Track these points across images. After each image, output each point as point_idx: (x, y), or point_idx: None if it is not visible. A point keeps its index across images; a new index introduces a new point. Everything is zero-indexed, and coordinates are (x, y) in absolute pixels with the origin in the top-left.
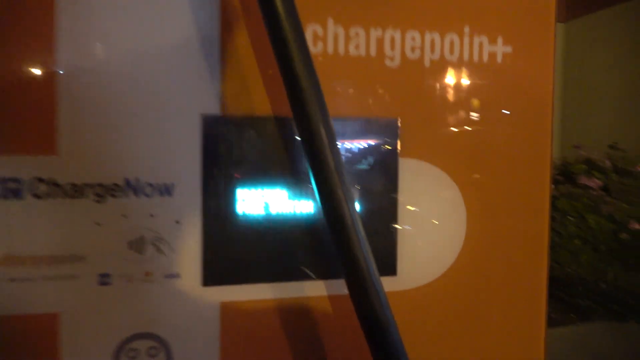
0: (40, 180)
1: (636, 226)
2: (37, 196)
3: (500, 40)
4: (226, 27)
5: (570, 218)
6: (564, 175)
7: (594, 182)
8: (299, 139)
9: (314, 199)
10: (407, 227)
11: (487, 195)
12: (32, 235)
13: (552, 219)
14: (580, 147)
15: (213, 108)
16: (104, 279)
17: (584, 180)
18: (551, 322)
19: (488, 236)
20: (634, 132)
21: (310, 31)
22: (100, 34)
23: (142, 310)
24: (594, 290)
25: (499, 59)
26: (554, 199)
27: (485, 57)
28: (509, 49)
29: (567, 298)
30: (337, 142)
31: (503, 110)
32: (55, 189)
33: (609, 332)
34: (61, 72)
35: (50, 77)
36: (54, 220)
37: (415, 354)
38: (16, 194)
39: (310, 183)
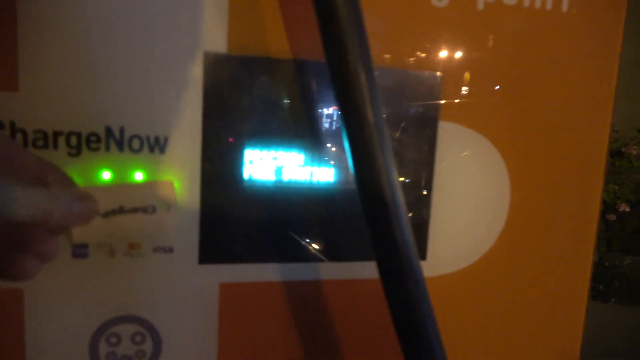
0: None
1: (625, 208)
2: None
3: None
4: None
5: None
6: None
7: None
8: (327, 88)
9: (336, 165)
10: (441, 203)
11: (535, 171)
12: None
13: None
14: None
15: (219, 45)
16: (79, 250)
17: None
18: None
19: (533, 217)
20: (626, 112)
21: None
22: None
23: (126, 289)
24: None
25: (565, 6)
26: None
27: (549, 4)
28: None
29: None
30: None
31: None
32: (17, 136)
33: (592, 312)
34: None
35: None
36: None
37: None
38: None
39: (335, 146)
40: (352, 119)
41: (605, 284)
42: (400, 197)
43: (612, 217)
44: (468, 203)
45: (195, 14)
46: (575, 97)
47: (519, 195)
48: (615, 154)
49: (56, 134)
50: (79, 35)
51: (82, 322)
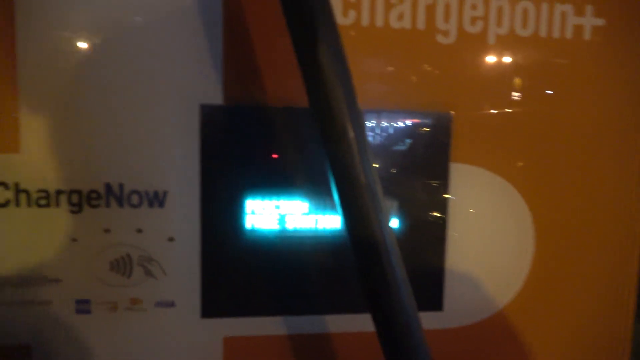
0: (2, 186)
1: None
2: None
3: (589, 10)
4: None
5: None
6: None
7: None
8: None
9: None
10: (457, 249)
11: (561, 214)
12: None
13: None
14: None
15: (214, 97)
16: (82, 306)
17: None
18: None
19: (560, 264)
20: None
21: None
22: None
23: (128, 344)
24: None
25: (587, 34)
26: None
27: (569, 32)
28: (600, 22)
29: None
30: (370, 144)
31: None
32: (20, 195)
33: None
34: (22, 52)
35: (9, 51)
36: (20, 235)
37: None
38: None
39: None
40: (342, 180)
41: None
42: (394, 249)
43: None
44: (486, 249)
45: (191, 68)
46: (600, 131)
47: (544, 239)
48: None
49: (58, 193)
50: (77, 97)
51: None
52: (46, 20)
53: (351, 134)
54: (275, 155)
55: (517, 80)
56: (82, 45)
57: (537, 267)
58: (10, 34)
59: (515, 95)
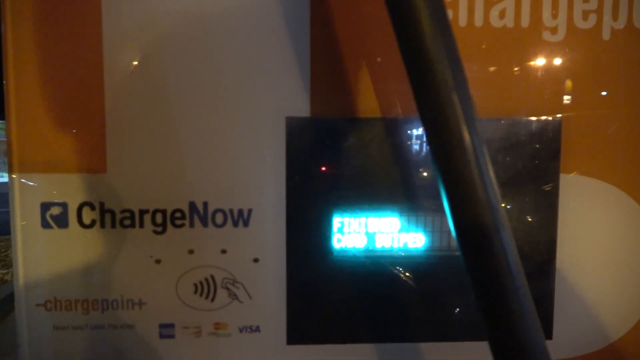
0: (88, 206)
1: None
2: (83, 224)
3: None
4: (317, 16)
5: None
6: None
7: None
8: (417, 144)
9: (437, 229)
10: (568, 271)
11: None
12: (76, 274)
13: None
14: None
15: (301, 110)
16: (166, 331)
17: None
18: None
19: None
20: None
21: None
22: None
23: None
24: None
25: None
26: None
27: None
28: None
29: None
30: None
31: None
32: (105, 215)
33: None
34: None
35: (96, 69)
36: (105, 256)
37: None
38: (59, 222)
39: (433, 209)
40: (457, 194)
41: None
42: (522, 279)
43: None
44: (602, 275)
45: (278, 80)
46: None
47: None
48: None
49: (142, 212)
50: (162, 115)
51: None
52: (132, 35)
53: (468, 138)
54: (362, 169)
55: (636, 81)
56: (169, 62)
57: None
58: (98, 50)
59: (634, 99)
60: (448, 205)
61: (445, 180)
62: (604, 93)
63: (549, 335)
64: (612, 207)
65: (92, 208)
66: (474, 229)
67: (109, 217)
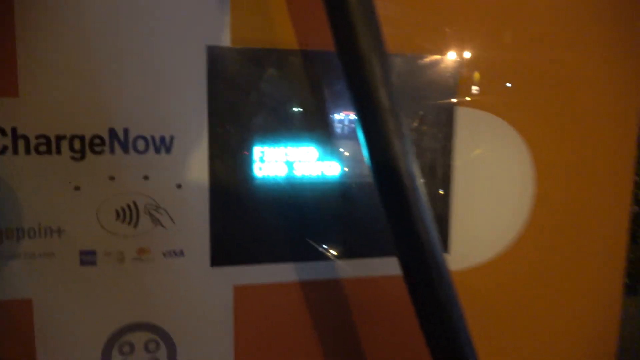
0: (1, 132)
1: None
2: None
3: None
4: None
5: None
6: None
7: None
8: (337, 78)
9: (351, 157)
10: (462, 194)
11: (562, 160)
12: None
13: None
14: None
15: (222, 38)
16: (87, 258)
17: None
18: None
19: (559, 209)
20: None
21: None
22: None
23: (137, 296)
24: None
25: None
26: None
27: None
28: None
29: None
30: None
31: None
32: (19, 142)
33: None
34: None
35: None
36: (20, 184)
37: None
38: None
39: (349, 137)
40: (365, 105)
41: (632, 278)
42: (421, 186)
43: (635, 209)
44: (491, 195)
45: (197, 7)
46: (603, 86)
47: (544, 186)
48: None
49: (59, 139)
50: (78, 37)
51: (93, 332)
52: None
53: (376, 60)
54: (283, 101)
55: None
56: None
57: (536, 213)
58: None
59: (522, 43)
60: (363, 135)
61: (361, 113)
62: (499, 36)
63: (445, 249)
64: (499, 138)
65: (3, 134)
66: (385, 155)
67: (23, 143)
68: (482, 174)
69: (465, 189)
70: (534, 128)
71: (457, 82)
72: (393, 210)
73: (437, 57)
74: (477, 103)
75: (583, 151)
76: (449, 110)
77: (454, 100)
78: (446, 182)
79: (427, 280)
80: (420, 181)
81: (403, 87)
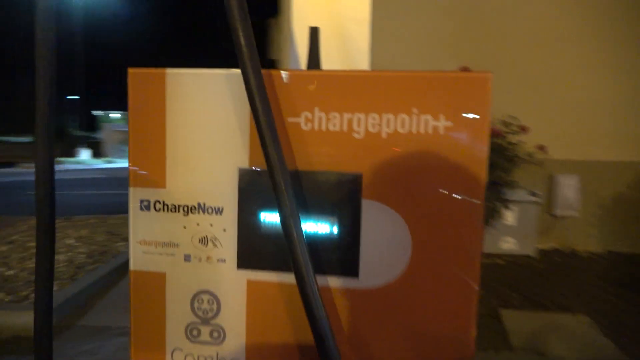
0: (158, 202)
1: None
2: (156, 210)
3: (442, 116)
4: None
5: None
6: None
7: None
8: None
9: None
10: (368, 242)
11: (426, 225)
12: (153, 230)
13: None
14: None
15: (245, 161)
16: (187, 258)
17: None
18: None
19: (426, 254)
20: None
21: (303, 116)
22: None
23: (205, 278)
24: None
25: (441, 131)
26: None
27: (430, 130)
28: (449, 124)
29: None
30: (296, 184)
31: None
32: (164, 206)
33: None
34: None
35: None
36: (163, 223)
37: (375, 344)
38: (147, 208)
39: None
40: (276, 192)
41: None
42: (300, 231)
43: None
44: (384, 242)
45: (233, 142)
46: (453, 185)
47: (416, 240)
48: None
49: (178, 205)
50: (187, 163)
51: (188, 290)
52: None
53: (281, 178)
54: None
55: (400, 156)
56: None
57: (413, 256)
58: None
59: (399, 163)
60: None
61: (274, 191)
62: (384, 161)
63: (356, 274)
64: (387, 221)
65: (163, 204)
66: (282, 213)
67: (166, 207)
68: (379, 231)
69: (370, 240)
70: (408, 209)
71: (361, 184)
72: (289, 248)
73: (349, 172)
74: (374, 195)
75: (439, 221)
76: (358, 200)
77: (360, 194)
78: (357, 234)
79: (304, 291)
80: (300, 230)
81: (330, 186)
